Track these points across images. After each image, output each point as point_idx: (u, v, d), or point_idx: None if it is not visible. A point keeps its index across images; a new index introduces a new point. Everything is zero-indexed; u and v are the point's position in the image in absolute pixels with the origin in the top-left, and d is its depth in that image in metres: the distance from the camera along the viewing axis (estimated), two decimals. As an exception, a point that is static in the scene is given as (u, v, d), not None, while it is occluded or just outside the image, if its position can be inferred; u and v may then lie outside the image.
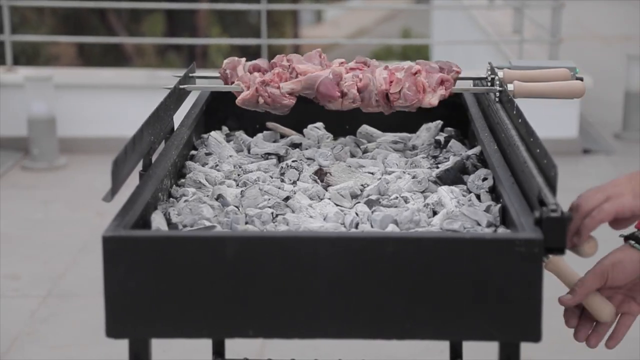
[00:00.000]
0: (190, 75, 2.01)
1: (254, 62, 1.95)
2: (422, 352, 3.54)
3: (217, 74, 2.00)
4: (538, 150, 1.47)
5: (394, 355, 3.48)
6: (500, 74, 1.89)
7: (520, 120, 1.63)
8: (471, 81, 2.05)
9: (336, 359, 2.23)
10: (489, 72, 1.93)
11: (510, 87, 1.84)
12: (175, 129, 1.88)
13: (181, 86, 1.93)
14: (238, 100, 1.88)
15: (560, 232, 1.33)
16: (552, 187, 1.37)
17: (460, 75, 1.95)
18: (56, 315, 4.05)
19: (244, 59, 1.98)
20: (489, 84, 1.92)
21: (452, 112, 2.08)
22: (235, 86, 1.90)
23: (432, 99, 1.85)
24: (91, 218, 5.16)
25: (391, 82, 1.86)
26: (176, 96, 1.90)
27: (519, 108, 1.66)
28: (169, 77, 2.20)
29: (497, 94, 1.87)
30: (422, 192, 1.72)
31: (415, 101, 1.85)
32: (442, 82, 1.86)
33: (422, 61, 1.91)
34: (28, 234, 4.99)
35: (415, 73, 1.86)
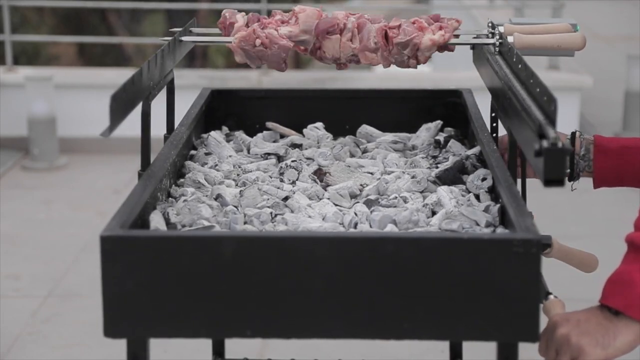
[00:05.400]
0: (191, 29, 2.00)
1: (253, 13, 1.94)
2: (422, 352, 3.54)
3: (216, 29, 1.97)
4: (538, 90, 1.47)
5: (394, 356, 3.48)
6: (501, 28, 1.88)
7: (520, 66, 1.62)
8: (471, 37, 2.02)
9: (336, 359, 2.23)
10: (490, 27, 1.92)
11: (510, 39, 1.82)
12: (175, 128, 1.88)
13: (181, 38, 1.92)
14: (234, 39, 1.85)
15: (559, 164, 1.32)
16: (552, 121, 1.37)
17: (461, 32, 1.93)
18: (57, 315, 4.05)
19: (243, 12, 1.95)
20: (490, 37, 1.91)
21: (452, 112, 2.08)
22: (234, 38, 1.88)
23: (432, 36, 1.84)
24: (92, 218, 5.16)
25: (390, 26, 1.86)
26: (175, 47, 1.88)
27: (518, 54, 1.65)
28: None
29: (497, 45, 1.85)
30: (421, 192, 1.72)
31: (415, 35, 1.83)
32: (441, 28, 1.86)
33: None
34: (29, 234, 4.99)
35: (414, 22, 1.85)
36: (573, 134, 1.82)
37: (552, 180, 1.32)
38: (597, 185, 1.84)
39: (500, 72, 1.71)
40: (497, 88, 1.75)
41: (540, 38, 1.84)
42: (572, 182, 1.85)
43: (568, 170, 1.82)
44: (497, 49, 1.84)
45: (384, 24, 1.85)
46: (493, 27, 1.90)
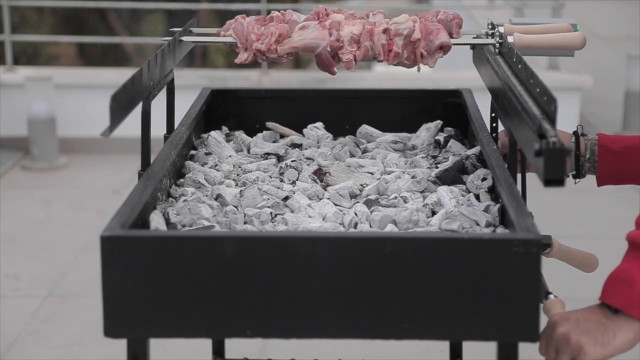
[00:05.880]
0: (190, 29, 2.00)
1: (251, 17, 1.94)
2: (422, 352, 3.54)
3: (216, 29, 1.97)
4: (538, 90, 1.47)
5: (394, 355, 3.48)
6: (501, 28, 1.88)
7: (520, 66, 1.62)
8: (471, 37, 2.01)
9: (336, 359, 2.23)
10: (490, 27, 1.92)
11: (510, 39, 1.82)
12: (175, 128, 1.88)
13: (181, 38, 1.92)
14: (236, 60, 1.87)
15: (559, 163, 1.32)
16: (552, 121, 1.37)
17: (461, 32, 1.92)
18: (57, 315, 4.05)
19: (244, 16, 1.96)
20: (490, 37, 1.91)
21: (452, 112, 2.08)
22: (232, 39, 1.88)
23: (429, 62, 1.85)
24: (92, 218, 5.16)
25: (390, 50, 1.85)
26: (176, 47, 1.89)
27: (518, 54, 1.65)
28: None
29: (497, 45, 1.85)
30: (422, 192, 1.72)
31: (412, 67, 1.87)
32: (441, 47, 1.86)
33: (424, 17, 1.89)
34: (29, 234, 4.99)
35: (415, 42, 1.85)
36: (576, 134, 1.83)
37: (552, 180, 1.33)
38: (600, 183, 1.85)
39: (500, 72, 1.71)
40: (497, 88, 1.75)
41: (540, 38, 1.84)
42: (576, 179, 1.86)
43: (574, 172, 1.83)
44: (497, 49, 1.84)
45: (382, 58, 1.85)
46: (493, 27, 1.90)
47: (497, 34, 1.85)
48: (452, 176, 1.74)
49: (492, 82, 1.80)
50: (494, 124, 1.88)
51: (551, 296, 1.55)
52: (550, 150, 1.32)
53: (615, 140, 1.81)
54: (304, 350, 3.15)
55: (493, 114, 1.88)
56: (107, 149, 6.24)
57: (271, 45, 1.83)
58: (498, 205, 1.55)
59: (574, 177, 1.84)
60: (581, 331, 1.45)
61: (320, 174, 1.80)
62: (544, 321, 1.42)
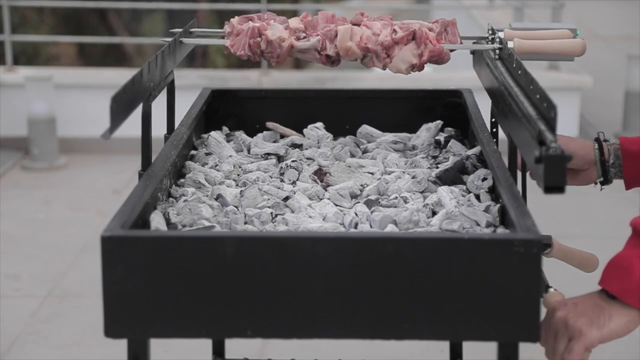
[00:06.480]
0: (191, 30, 2.00)
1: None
2: (422, 352, 3.54)
3: (216, 30, 1.98)
4: (538, 96, 1.47)
5: (394, 355, 3.48)
6: (501, 34, 1.88)
7: (520, 72, 1.62)
8: (471, 42, 2.01)
9: (336, 359, 2.23)
10: (490, 32, 1.92)
11: (510, 44, 1.83)
12: (175, 128, 1.88)
13: (181, 39, 1.92)
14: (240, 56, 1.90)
15: (559, 170, 1.32)
16: (552, 128, 1.37)
17: (461, 36, 1.92)
18: (57, 315, 4.05)
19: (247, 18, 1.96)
20: (490, 42, 1.91)
21: (452, 112, 2.08)
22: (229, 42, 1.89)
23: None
24: (92, 218, 5.16)
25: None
26: (176, 48, 1.88)
27: (518, 60, 1.65)
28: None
29: (497, 50, 1.85)
30: (422, 192, 1.72)
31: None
32: (435, 56, 1.87)
33: (426, 38, 1.89)
34: (29, 234, 4.99)
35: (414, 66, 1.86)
36: (598, 140, 1.83)
37: (553, 187, 1.33)
38: (628, 187, 1.86)
39: (500, 77, 1.72)
40: (497, 93, 1.75)
41: (540, 44, 1.84)
42: (602, 187, 1.87)
43: (601, 179, 1.83)
44: (497, 54, 1.85)
45: (384, 55, 1.86)
46: (493, 32, 1.90)
47: (497, 39, 1.85)
48: (453, 176, 1.74)
49: (492, 87, 1.80)
50: (494, 129, 1.88)
51: (551, 289, 1.55)
52: (550, 157, 1.32)
53: (637, 142, 1.82)
54: (304, 350, 3.15)
55: (493, 119, 1.88)
56: (107, 149, 6.24)
57: (274, 60, 1.86)
58: (498, 205, 1.55)
59: (602, 183, 1.85)
60: (578, 313, 1.46)
61: (320, 174, 1.81)
62: (544, 316, 1.42)
